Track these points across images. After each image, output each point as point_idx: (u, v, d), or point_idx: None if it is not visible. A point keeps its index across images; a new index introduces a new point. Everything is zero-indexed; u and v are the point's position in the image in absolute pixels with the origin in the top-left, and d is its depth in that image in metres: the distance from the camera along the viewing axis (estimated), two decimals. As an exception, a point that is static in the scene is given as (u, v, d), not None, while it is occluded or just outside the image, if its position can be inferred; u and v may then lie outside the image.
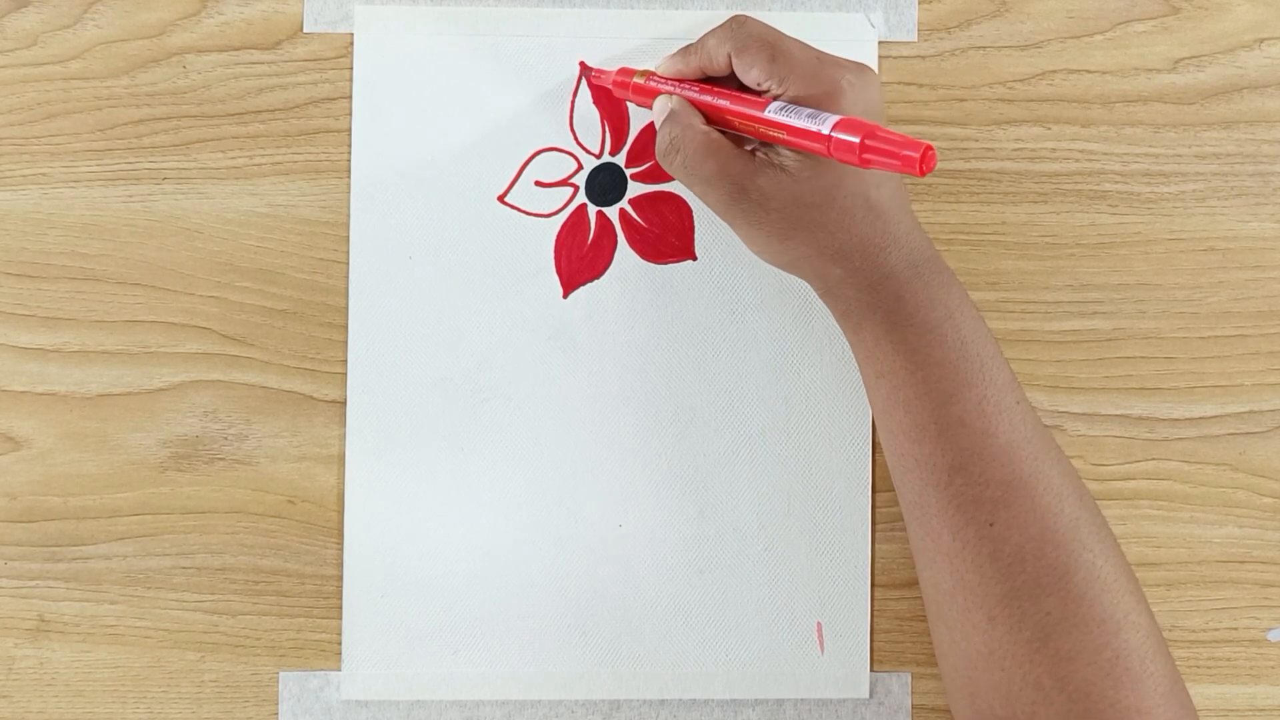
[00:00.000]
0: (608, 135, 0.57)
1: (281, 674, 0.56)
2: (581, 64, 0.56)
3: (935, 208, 0.58)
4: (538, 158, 0.57)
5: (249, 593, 0.56)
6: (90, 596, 0.56)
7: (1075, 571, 0.47)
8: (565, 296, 0.57)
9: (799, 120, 0.47)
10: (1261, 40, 0.58)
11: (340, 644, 0.56)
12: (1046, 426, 0.51)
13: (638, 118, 0.57)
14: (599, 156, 0.57)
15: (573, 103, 0.57)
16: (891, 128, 0.57)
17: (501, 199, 0.57)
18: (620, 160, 0.57)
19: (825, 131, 0.46)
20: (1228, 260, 0.58)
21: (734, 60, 0.50)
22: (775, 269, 0.56)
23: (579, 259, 0.57)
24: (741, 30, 0.51)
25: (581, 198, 0.57)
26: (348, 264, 0.57)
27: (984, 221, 0.58)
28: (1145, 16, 0.58)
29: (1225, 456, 0.58)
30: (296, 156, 0.57)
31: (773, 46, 0.50)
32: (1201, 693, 0.58)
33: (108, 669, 0.56)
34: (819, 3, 0.57)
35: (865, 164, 0.45)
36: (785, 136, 0.48)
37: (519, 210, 0.57)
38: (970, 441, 0.48)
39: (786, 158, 0.49)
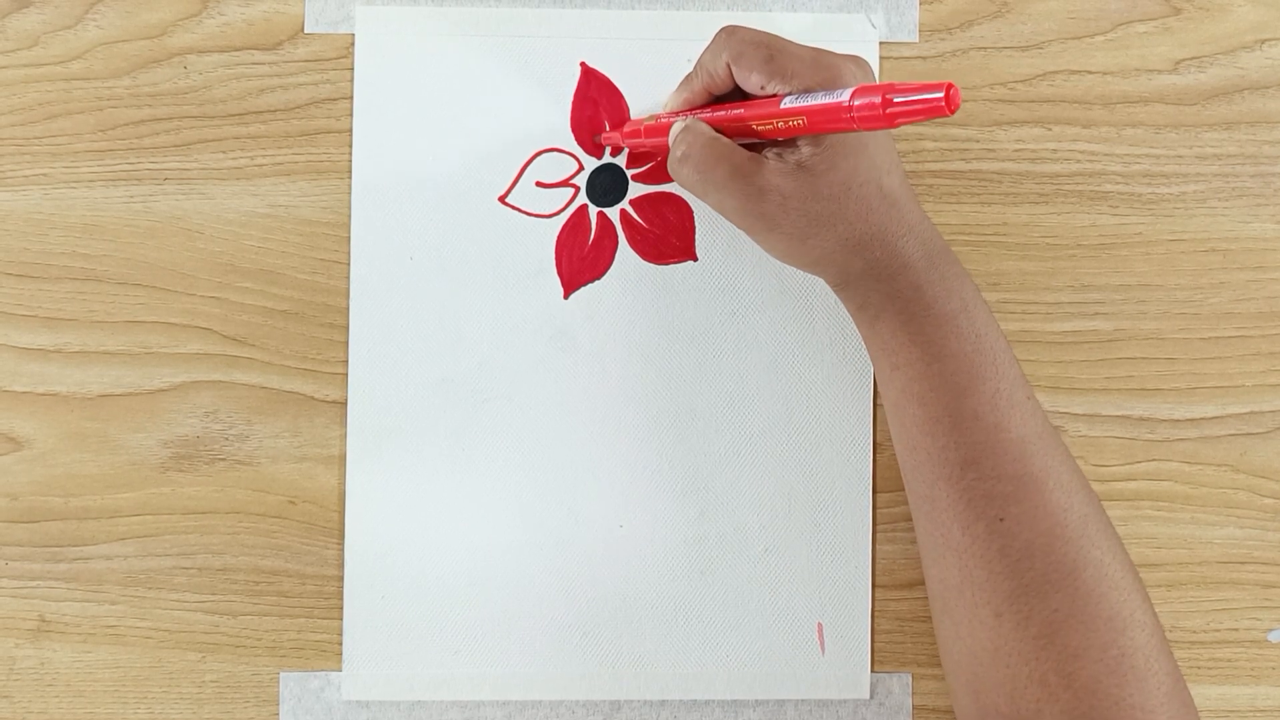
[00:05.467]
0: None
1: (282, 674, 0.56)
2: (600, 138, 0.57)
3: (936, 208, 0.58)
4: (539, 158, 0.57)
5: (250, 593, 0.56)
6: (91, 597, 0.56)
7: (1084, 569, 0.47)
8: (566, 297, 0.57)
9: (817, 100, 0.47)
10: (1262, 41, 0.58)
11: (341, 644, 0.56)
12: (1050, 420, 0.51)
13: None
14: (600, 157, 0.57)
15: (573, 103, 0.57)
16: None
17: (502, 199, 0.57)
18: (621, 161, 0.57)
19: (845, 102, 0.46)
20: (1229, 261, 0.58)
21: (733, 69, 0.50)
22: (777, 269, 0.56)
23: (580, 260, 0.57)
24: (734, 38, 0.50)
25: (582, 198, 0.57)
26: (349, 264, 0.57)
27: (985, 222, 0.58)
28: (1146, 17, 0.58)
29: (1226, 457, 0.58)
30: (298, 157, 0.57)
31: (768, 47, 0.50)
32: (1202, 693, 0.58)
33: (108, 669, 0.56)
34: (820, 4, 0.57)
35: (892, 120, 0.45)
36: (805, 123, 0.48)
37: (520, 211, 0.57)
38: (983, 436, 0.48)
39: (802, 153, 0.49)
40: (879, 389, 0.52)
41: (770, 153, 0.50)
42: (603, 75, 0.57)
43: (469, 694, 0.56)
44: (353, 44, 0.57)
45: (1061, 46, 0.58)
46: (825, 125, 0.47)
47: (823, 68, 0.49)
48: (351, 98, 0.57)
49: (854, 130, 0.47)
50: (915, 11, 0.58)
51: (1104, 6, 0.58)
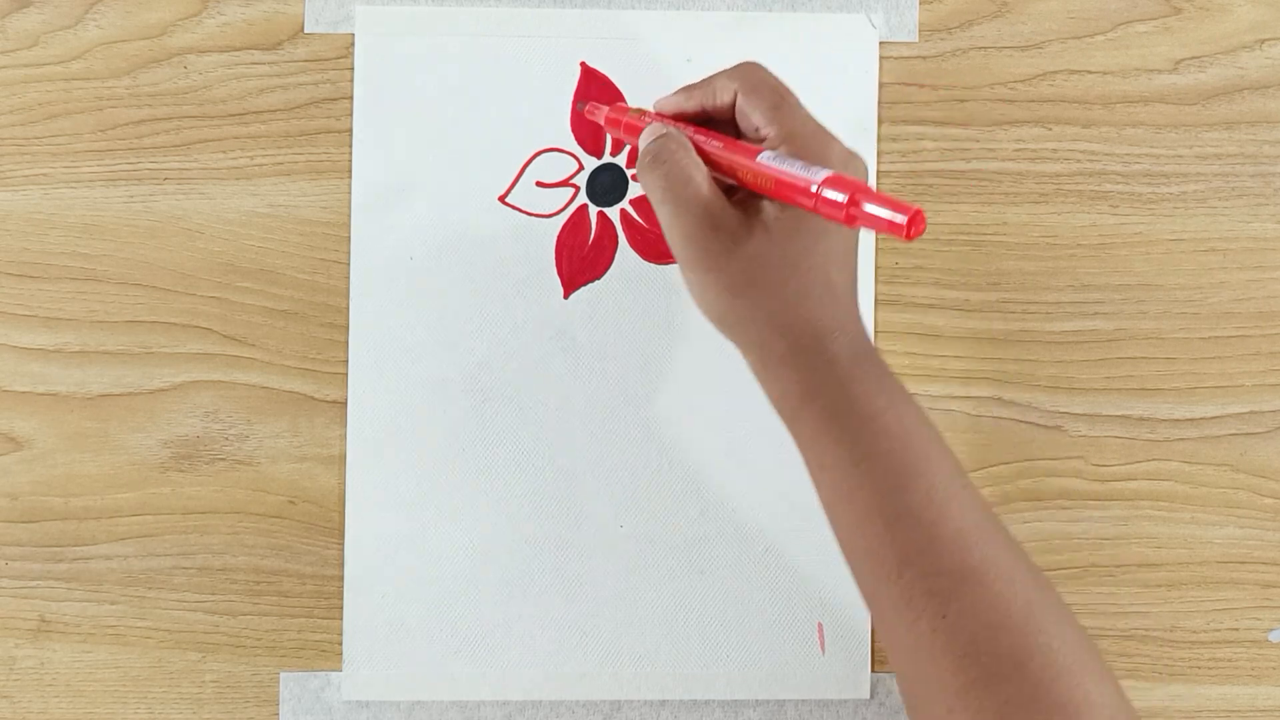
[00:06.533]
0: (609, 135, 0.57)
1: (282, 674, 0.56)
2: (574, 106, 0.56)
3: (936, 208, 0.58)
4: (539, 158, 0.57)
5: (250, 593, 0.56)
6: (91, 597, 0.56)
7: (1031, 657, 0.46)
8: (566, 297, 0.57)
9: (790, 169, 0.46)
10: (1262, 41, 0.58)
11: (341, 644, 0.56)
12: (993, 508, 0.50)
13: (639, 118, 0.57)
14: (600, 157, 0.57)
15: (573, 103, 0.57)
16: (893, 129, 0.58)
17: (502, 199, 0.57)
18: (621, 161, 0.57)
19: (815, 182, 0.45)
20: (1228, 261, 0.58)
21: (740, 98, 0.49)
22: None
23: (580, 259, 0.57)
24: (753, 74, 0.50)
25: (582, 198, 0.57)
26: (348, 264, 0.57)
27: (985, 222, 0.58)
28: (1146, 17, 0.58)
29: (1226, 457, 0.58)
30: (297, 157, 0.57)
31: (780, 96, 0.49)
32: (1203, 693, 0.58)
33: (108, 669, 0.56)
34: (820, 3, 0.57)
35: (851, 221, 0.44)
36: (771, 186, 0.47)
37: (520, 211, 0.57)
38: (919, 533, 0.47)
39: (766, 212, 0.48)
40: (814, 487, 0.51)
41: (739, 197, 0.49)
42: (603, 75, 0.57)
43: (469, 694, 0.56)
44: (352, 44, 0.57)
45: (1061, 46, 0.58)
46: (787, 196, 0.46)
47: (817, 142, 0.48)
48: (351, 98, 0.57)
49: (812, 212, 0.45)
50: (915, 11, 0.58)
51: (1104, 6, 0.58)
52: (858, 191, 0.44)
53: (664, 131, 0.50)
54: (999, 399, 0.58)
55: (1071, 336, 0.58)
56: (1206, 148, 0.58)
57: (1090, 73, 0.58)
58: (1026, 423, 0.58)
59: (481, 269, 0.57)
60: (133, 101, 0.56)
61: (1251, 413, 0.58)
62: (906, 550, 0.47)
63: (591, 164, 0.57)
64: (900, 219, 0.42)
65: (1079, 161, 0.58)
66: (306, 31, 0.57)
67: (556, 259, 0.57)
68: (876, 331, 0.57)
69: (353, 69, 0.57)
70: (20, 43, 0.56)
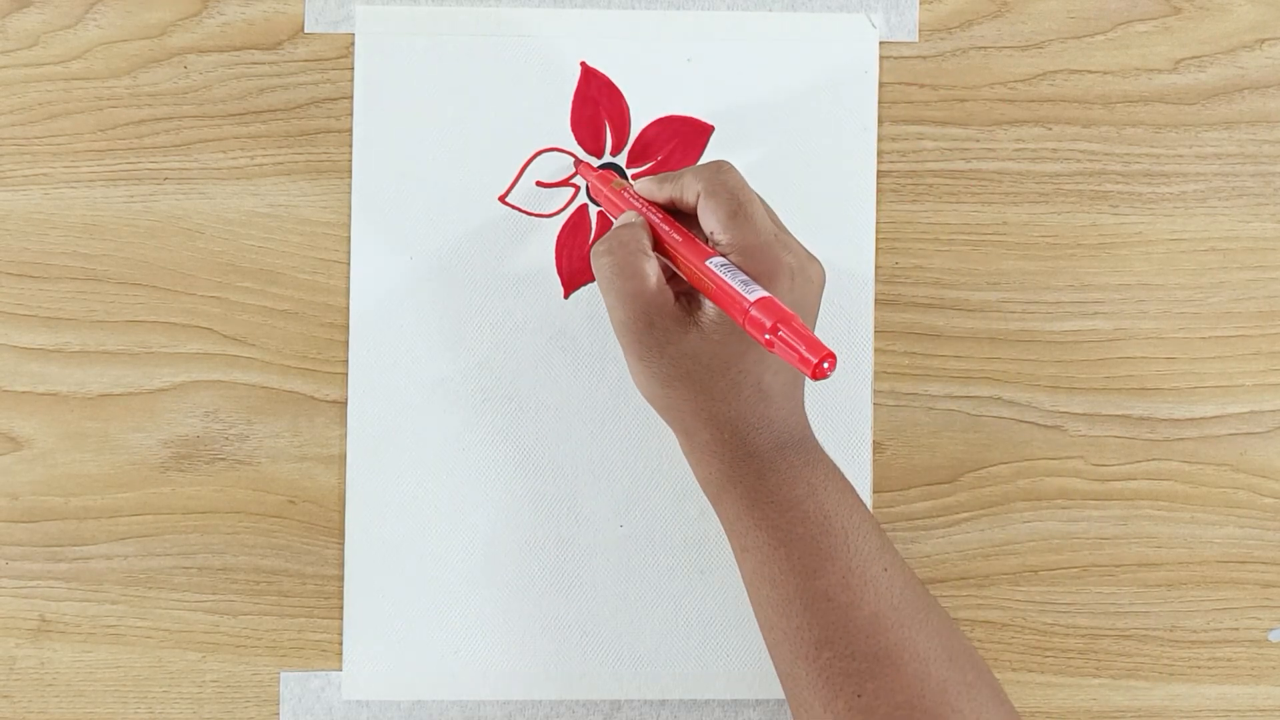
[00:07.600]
0: (609, 135, 0.57)
1: (282, 674, 0.56)
2: (576, 161, 0.56)
3: (936, 208, 0.58)
4: (539, 158, 0.57)
5: (250, 593, 0.57)
6: (91, 596, 0.56)
7: None
8: (566, 297, 0.57)
9: (731, 281, 0.47)
10: (1262, 40, 0.58)
11: (341, 644, 0.56)
12: (923, 585, 0.50)
13: (639, 118, 0.57)
14: (600, 157, 0.57)
15: (573, 103, 0.57)
16: (893, 129, 0.57)
17: (502, 199, 0.57)
18: (622, 160, 0.57)
19: (748, 300, 0.46)
20: (1229, 260, 0.58)
21: (701, 201, 0.50)
22: None
23: (580, 259, 0.57)
24: (718, 176, 0.50)
25: (582, 198, 0.57)
26: (349, 264, 0.57)
27: (985, 222, 0.58)
28: (1146, 16, 0.58)
29: (1226, 457, 0.58)
30: (298, 157, 0.57)
31: (739, 204, 0.49)
32: (1202, 693, 0.58)
33: (109, 669, 0.56)
34: (820, 3, 0.57)
35: (770, 346, 0.45)
36: (714, 293, 0.48)
37: (520, 210, 0.57)
38: (836, 615, 0.48)
39: (705, 313, 0.49)
40: (738, 567, 0.52)
41: (685, 297, 0.50)
42: (603, 75, 0.57)
43: (469, 693, 0.56)
44: (353, 43, 0.57)
45: (1061, 46, 0.58)
46: (724, 306, 0.47)
47: (766, 259, 0.49)
48: (351, 97, 0.57)
49: (741, 328, 0.47)
50: (915, 11, 0.58)
51: (1104, 6, 0.58)
52: (781, 321, 0.45)
53: (629, 221, 0.51)
54: (999, 399, 0.58)
55: (1072, 336, 0.58)
56: (1206, 147, 0.58)
57: (1090, 73, 0.58)
58: (1026, 422, 0.58)
59: (481, 269, 0.57)
60: (133, 101, 0.57)
61: (1251, 413, 0.58)
62: (824, 631, 0.49)
63: (592, 163, 0.57)
64: (810, 358, 0.44)
65: (1079, 161, 0.58)
66: (306, 31, 0.57)
67: (556, 259, 0.57)
68: (876, 331, 0.57)
69: (353, 69, 0.57)
70: (20, 43, 0.56)
